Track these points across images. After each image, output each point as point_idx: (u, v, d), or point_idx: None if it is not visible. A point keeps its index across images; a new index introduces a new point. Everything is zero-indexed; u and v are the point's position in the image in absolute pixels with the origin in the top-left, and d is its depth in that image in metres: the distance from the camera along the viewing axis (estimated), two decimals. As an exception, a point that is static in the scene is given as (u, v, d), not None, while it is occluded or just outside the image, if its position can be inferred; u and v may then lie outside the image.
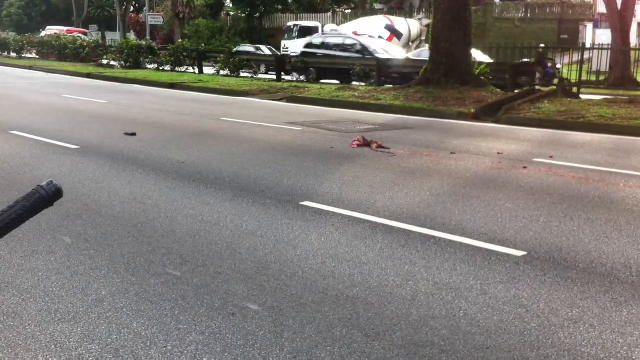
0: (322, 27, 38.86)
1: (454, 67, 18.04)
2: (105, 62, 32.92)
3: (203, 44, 36.24)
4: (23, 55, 39.69)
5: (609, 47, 22.29)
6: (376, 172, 8.28)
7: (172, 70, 28.96)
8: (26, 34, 45.96)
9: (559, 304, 4.15)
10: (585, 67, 21.07)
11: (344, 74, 23.06)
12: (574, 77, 19.47)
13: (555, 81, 18.49)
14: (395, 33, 32.67)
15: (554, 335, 3.70)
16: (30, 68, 31.74)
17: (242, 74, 26.53)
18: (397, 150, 9.98)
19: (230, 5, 51.69)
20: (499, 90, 17.55)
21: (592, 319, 3.93)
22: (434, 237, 5.54)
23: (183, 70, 28.70)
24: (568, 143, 11.49)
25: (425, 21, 33.88)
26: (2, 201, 6.34)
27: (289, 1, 50.26)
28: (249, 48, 35.95)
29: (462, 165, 8.85)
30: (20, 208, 1.18)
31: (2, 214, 1.17)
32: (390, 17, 37.10)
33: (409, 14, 41.26)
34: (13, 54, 40.49)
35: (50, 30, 46.56)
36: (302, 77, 23.93)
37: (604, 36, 26.96)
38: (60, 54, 36.54)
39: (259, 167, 8.40)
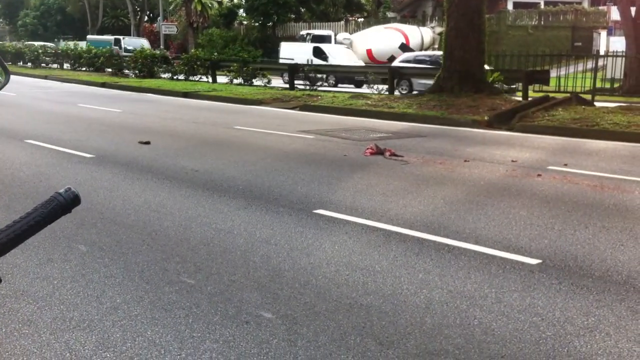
0: (335, 35, 38.91)
1: (468, 75, 18.01)
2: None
3: (216, 53, 36.37)
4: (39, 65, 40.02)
5: (623, 54, 22.19)
6: (389, 180, 8.27)
7: (186, 79, 29.11)
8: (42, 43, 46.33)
9: (574, 312, 4.12)
10: (599, 74, 20.97)
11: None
12: (588, 85, 19.37)
13: None
14: (407, 51, 32.80)
15: (569, 344, 3.67)
16: (45, 77, 32.01)
17: (255, 83, 26.64)
18: (411, 158, 9.96)
19: (244, 14, 51.91)
20: (512, 97, 17.50)
21: (608, 328, 3.89)
22: (447, 245, 5.52)
23: (197, 79, 28.83)
24: (582, 151, 11.43)
25: (438, 29, 33.86)
26: (18, 209, 6.39)
27: (302, 10, 50.39)
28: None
29: (476, 173, 8.82)
30: (38, 215, 1.18)
31: (21, 220, 1.17)
32: (404, 28, 37.00)
33: (421, 22, 41.26)
34: (29, 64, 40.82)
35: None
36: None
37: (618, 43, 26.85)
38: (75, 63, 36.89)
39: (272, 175, 8.42)
